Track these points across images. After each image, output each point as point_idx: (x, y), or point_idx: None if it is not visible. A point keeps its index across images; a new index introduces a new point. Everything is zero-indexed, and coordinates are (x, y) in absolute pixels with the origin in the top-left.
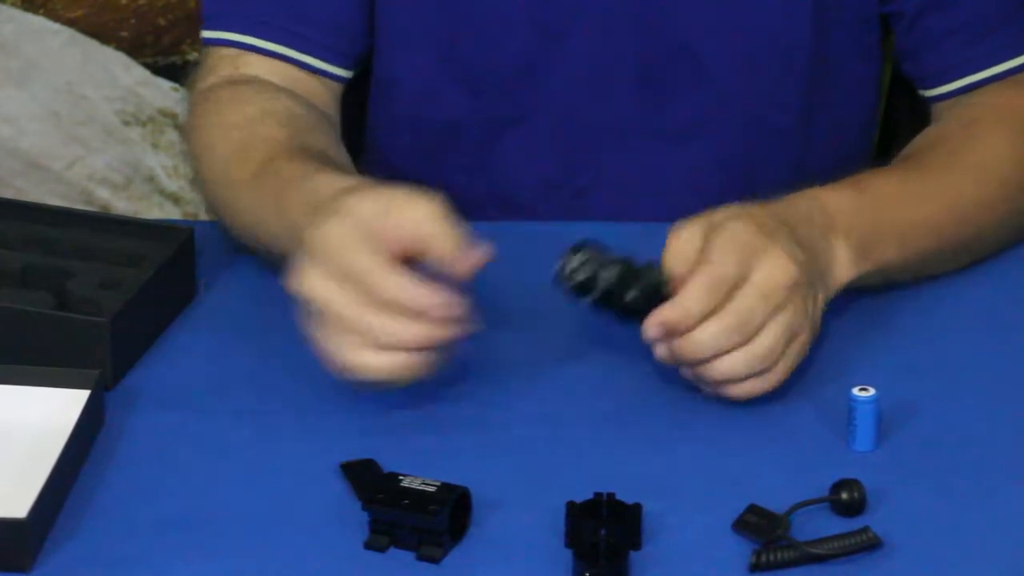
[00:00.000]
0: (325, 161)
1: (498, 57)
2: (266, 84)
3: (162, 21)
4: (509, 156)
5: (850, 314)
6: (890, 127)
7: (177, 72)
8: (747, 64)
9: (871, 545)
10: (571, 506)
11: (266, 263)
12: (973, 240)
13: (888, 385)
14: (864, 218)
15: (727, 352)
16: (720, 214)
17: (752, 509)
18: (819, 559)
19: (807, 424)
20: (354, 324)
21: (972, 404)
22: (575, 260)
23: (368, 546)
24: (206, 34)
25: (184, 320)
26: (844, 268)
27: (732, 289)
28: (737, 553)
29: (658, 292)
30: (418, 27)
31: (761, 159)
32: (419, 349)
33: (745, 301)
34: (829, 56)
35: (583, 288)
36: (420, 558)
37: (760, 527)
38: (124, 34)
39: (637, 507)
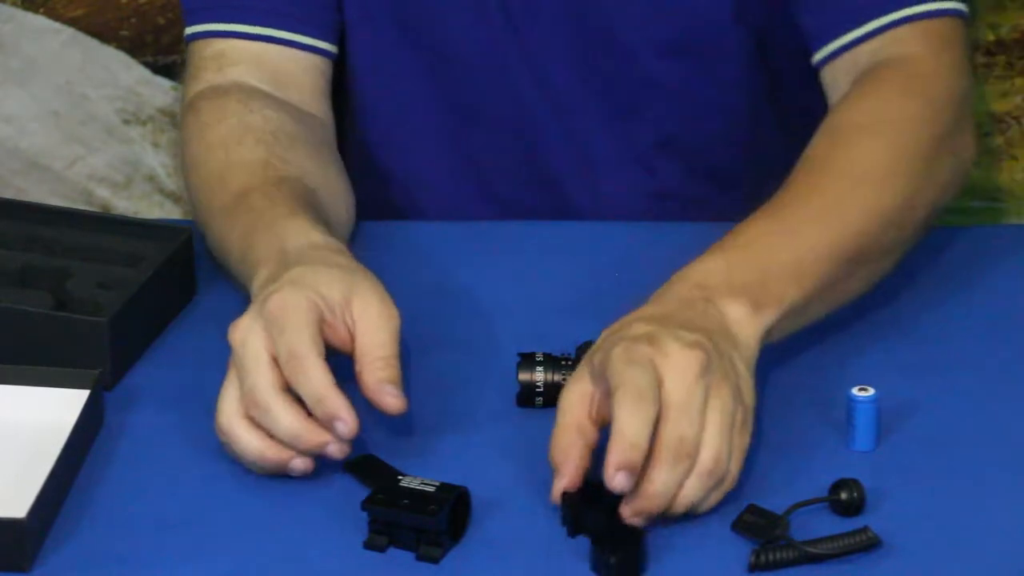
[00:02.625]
0: (298, 197)
1: (450, 39)
2: (248, 91)
3: (162, 20)
4: (476, 144)
5: (850, 314)
6: None
7: (177, 71)
8: (671, 47)
9: (871, 545)
10: (567, 496)
11: None
12: (876, 247)
13: (888, 385)
14: (743, 271)
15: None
16: (596, 354)
17: (751, 509)
18: (818, 559)
19: (807, 424)
20: (255, 400)
21: (972, 404)
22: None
23: (367, 546)
24: (189, 30)
25: (184, 320)
26: (745, 325)
27: (657, 401)
28: (737, 553)
29: None
30: (375, 8)
31: (709, 137)
32: (292, 450)
33: (670, 425)
34: (767, 37)
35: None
36: (420, 558)
37: (759, 527)
38: (124, 33)
39: None
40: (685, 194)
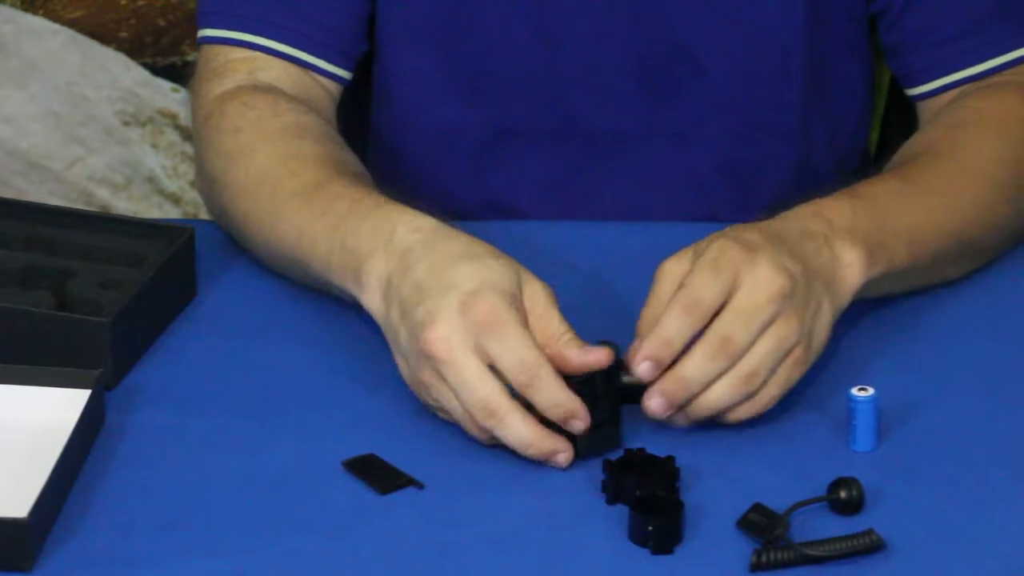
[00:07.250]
0: (377, 189)
1: (495, 61)
2: (289, 97)
3: (162, 21)
4: (508, 162)
5: (850, 314)
6: (889, 130)
7: (177, 72)
8: (745, 65)
9: (875, 547)
10: (609, 463)
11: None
12: (977, 241)
13: (887, 385)
14: (867, 221)
15: (715, 381)
16: (705, 240)
17: (756, 508)
18: (821, 560)
19: (807, 424)
20: (490, 410)
21: (972, 404)
22: None
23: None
24: (209, 32)
25: (184, 320)
26: (854, 271)
27: (713, 312)
28: (737, 553)
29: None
30: (417, 30)
31: (764, 160)
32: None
33: (724, 323)
34: (823, 56)
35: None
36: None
37: (761, 526)
38: (124, 34)
39: (670, 459)
40: (735, 220)
